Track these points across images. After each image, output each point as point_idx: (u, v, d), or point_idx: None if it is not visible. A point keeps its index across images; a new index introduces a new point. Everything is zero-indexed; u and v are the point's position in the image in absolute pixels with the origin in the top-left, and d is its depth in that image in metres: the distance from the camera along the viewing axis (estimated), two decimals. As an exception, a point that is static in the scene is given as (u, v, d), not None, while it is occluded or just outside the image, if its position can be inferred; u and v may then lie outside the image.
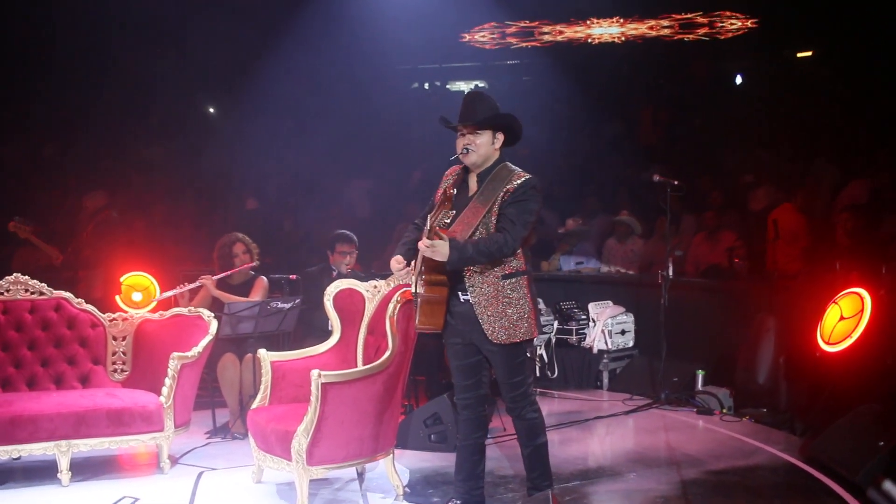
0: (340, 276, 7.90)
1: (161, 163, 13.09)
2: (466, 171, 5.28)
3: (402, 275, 5.37)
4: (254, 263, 7.90)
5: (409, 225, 5.50)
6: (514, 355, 5.17)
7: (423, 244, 4.92)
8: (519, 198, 5.04)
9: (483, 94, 5.36)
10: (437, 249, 4.88)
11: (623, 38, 14.31)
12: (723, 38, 14.19)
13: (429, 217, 5.05)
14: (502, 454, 6.86)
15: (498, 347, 5.11)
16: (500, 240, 4.96)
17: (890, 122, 11.37)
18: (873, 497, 5.72)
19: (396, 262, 5.30)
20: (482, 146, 5.15)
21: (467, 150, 5.14)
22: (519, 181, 5.08)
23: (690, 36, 14.00)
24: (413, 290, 5.26)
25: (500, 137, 5.20)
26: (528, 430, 5.31)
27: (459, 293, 5.14)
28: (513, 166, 5.21)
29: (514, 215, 5.02)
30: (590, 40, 14.47)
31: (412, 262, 5.28)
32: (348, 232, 8.21)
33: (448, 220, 5.09)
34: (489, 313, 5.07)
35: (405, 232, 5.47)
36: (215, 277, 7.72)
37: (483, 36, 14.50)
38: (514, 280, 5.10)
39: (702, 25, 13.80)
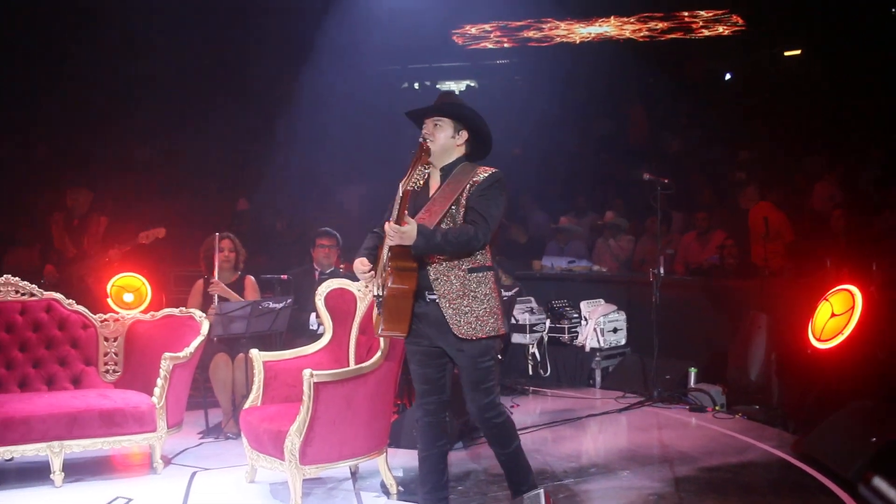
0: (323, 276, 7.92)
1: (152, 163, 13.08)
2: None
3: (367, 278, 5.11)
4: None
5: (369, 233, 5.25)
6: (481, 354, 4.89)
7: (389, 227, 4.72)
8: (485, 191, 4.85)
9: (455, 95, 5.21)
10: (405, 233, 4.66)
11: (599, 38, 14.42)
12: (712, 36, 14.28)
13: (393, 210, 4.84)
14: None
15: (465, 345, 4.86)
16: (469, 232, 4.77)
17: (878, 119, 11.44)
18: (863, 493, 5.73)
19: (361, 263, 5.06)
20: (441, 137, 4.94)
21: (424, 138, 4.92)
22: (485, 174, 4.89)
23: (667, 35, 14.08)
24: (375, 294, 5.04)
25: (464, 135, 5.00)
26: (499, 436, 5.06)
27: (426, 292, 4.90)
28: (475, 165, 5.00)
29: (483, 209, 4.82)
30: (575, 39, 14.54)
31: (376, 266, 5.09)
32: (329, 228, 8.25)
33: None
34: (454, 308, 4.84)
35: (365, 240, 5.22)
36: (213, 280, 7.66)
37: (477, 31, 14.54)
38: (480, 274, 4.89)
39: (693, 28, 13.87)
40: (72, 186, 9.24)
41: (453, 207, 4.87)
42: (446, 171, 4.99)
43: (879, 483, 5.65)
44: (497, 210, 4.86)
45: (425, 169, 4.78)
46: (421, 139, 4.90)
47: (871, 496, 5.68)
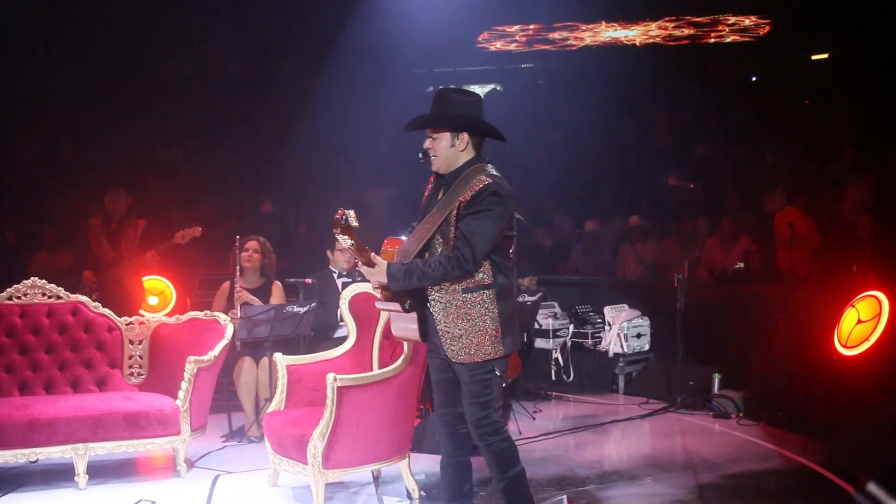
0: (341, 277, 7.94)
1: (177, 165, 13.14)
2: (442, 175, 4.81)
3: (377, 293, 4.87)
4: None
5: (408, 228, 5.06)
6: (477, 374, 4.64)
7: (360, 268, 4.62)
8: (475, 208, 4.51)
9: (450, 92, 4.77)
10: (374, 274, 4.59)
11: (602, 44, 14.39)
12: (739, 40, 14.21)
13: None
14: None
15: (459, 366, 4.67)
16: (446, 266, 4.49)
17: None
18: (858, 500, 5.69)
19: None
20: (442, 149, 4.66)
21: (426, 154, 4.71)
22: (476, 189, 4.53)
23: (674, 42, 14.03)
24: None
25: (464, 137, 4.65)
26: (499, 460, 4.75)
27: (428, 303, 4.71)
28: (484, 168, 4.64)
29: (470, 230, 4.49)
30: (598, 44, 14.51)
31: None
32: None
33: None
34: (449, 331, 4.62)
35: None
36: (238, 285, 7.69)
37: (517, 29, 14.52)
38: (475, 295, 4.59)
39: (718, 30, 13.82)
40: (111, 189, 9.09)
41: (444, 227, 4.60)
42: (451, 179, 4.69)
43: (874, 489, 5.61)
44: (487, 229, 4.51)
45: (346, 237, 4.52)
46: (339, 212, 4.55)
47: (867, 502, 5.64)
